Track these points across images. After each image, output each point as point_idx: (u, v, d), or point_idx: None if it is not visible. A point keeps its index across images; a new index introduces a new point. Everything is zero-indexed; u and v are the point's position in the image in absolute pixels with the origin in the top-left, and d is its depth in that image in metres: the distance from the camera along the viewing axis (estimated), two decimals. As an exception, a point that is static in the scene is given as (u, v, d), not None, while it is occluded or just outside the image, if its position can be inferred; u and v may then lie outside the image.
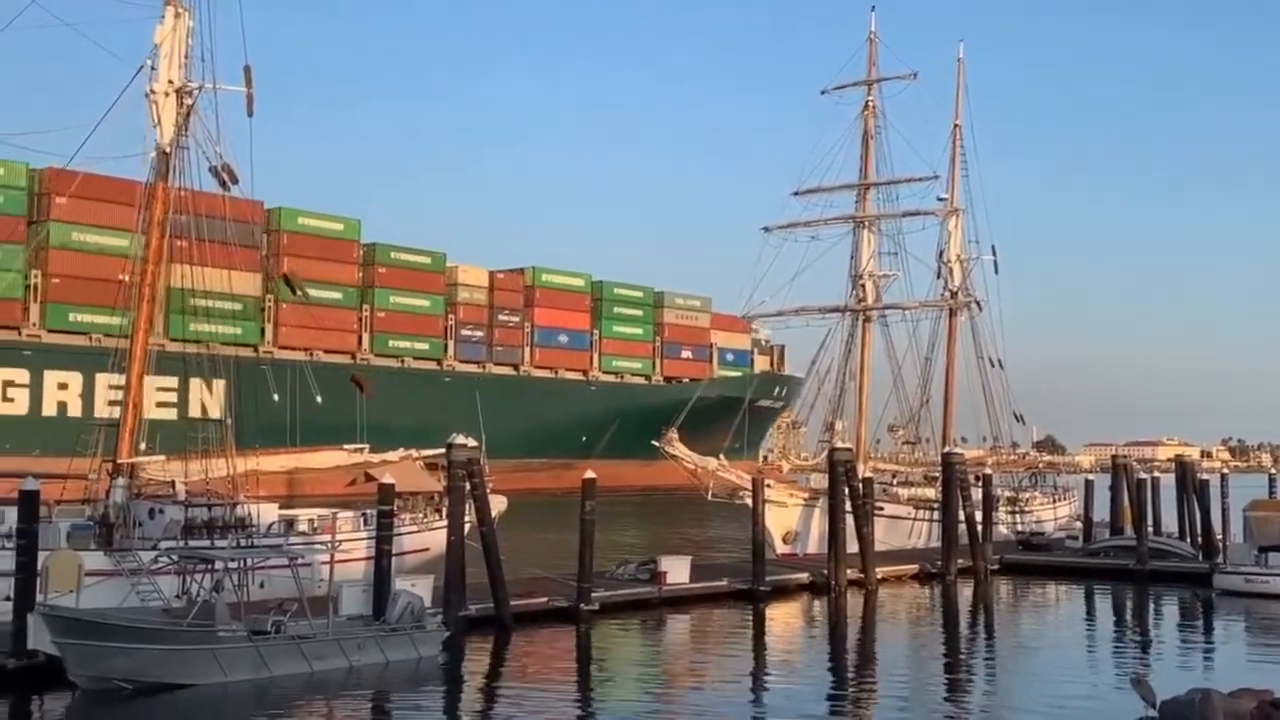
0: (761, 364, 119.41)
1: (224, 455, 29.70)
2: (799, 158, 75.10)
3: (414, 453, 38.09)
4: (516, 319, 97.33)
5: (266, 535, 29.66)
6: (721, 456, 43.57)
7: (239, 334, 76.46)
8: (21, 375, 68.40)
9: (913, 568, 41.04)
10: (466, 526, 29.48)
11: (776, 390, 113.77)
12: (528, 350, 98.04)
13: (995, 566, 42.65)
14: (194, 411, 72.32)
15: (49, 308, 69.33)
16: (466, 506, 29.61)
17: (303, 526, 31.42)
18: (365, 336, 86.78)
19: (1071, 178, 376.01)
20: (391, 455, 37.32)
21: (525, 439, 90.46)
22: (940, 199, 54.98)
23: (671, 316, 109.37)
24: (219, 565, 24.12)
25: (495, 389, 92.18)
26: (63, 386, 68.46)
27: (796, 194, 51.19)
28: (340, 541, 28.34)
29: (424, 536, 34.15)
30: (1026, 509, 55.10)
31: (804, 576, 37.53)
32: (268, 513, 30.75)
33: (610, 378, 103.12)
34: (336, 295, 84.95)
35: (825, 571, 37.12)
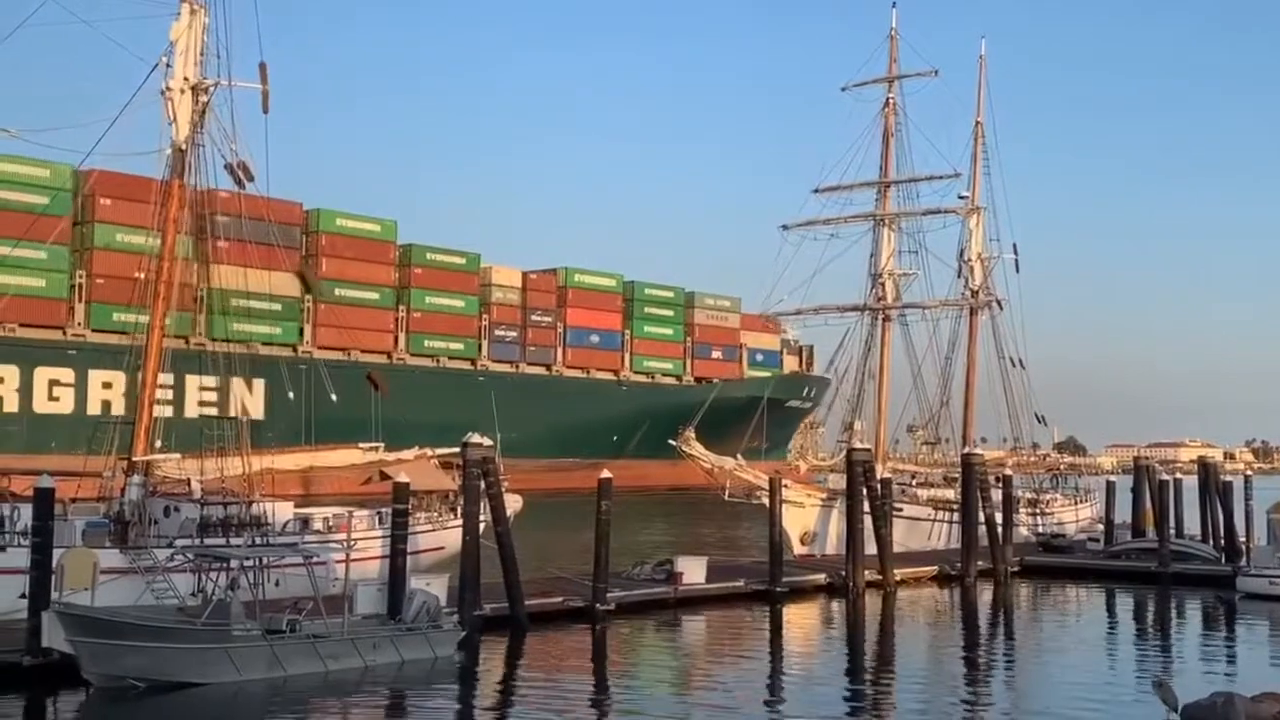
0: (790, 364, 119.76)
1: (240, 453, 29.80)
2: (820, 155, 74.98)
3: (429, 451, 38.17)
4: (549, 319, 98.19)
5: (282, 534, 29.76)
6: (739, 456, 43.51)
7: (278, 334, 77.90)
8: (67, 374, 69.24)
9: (932, 569, 40.91)
10: (482, 526, 29.52)
11: (805, 390, 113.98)
12: (560, 350, 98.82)
13: (1015, 569, 42.49)
14: (234, 411, 73.86)
15: (93, 308, 70.44)
16: (482, 505, 29.63)
17: (318, 525, 31.50)
18: (401, 336, 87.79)
19: (1094, 176, 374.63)
20: (406, 454, 37.41)
21: (558, 438, 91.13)
22: (961, 197, 54.84)
23: (701, 317, 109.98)
24: (234, 564, 24.19)
25: (528, 389, 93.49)
26: (106, 385, 69.03)
27: (816, 191, 51.21)
28: (355, 540, 28.38)
29: (439, 535, 34.21)
30: (1047, 510, 54.88)
31: (821, 578, 37.44)
32: (283, 511, 30.85)
33: (641, 378, 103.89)
34: (373, 295, 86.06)
35: (843, 573, 37.03)
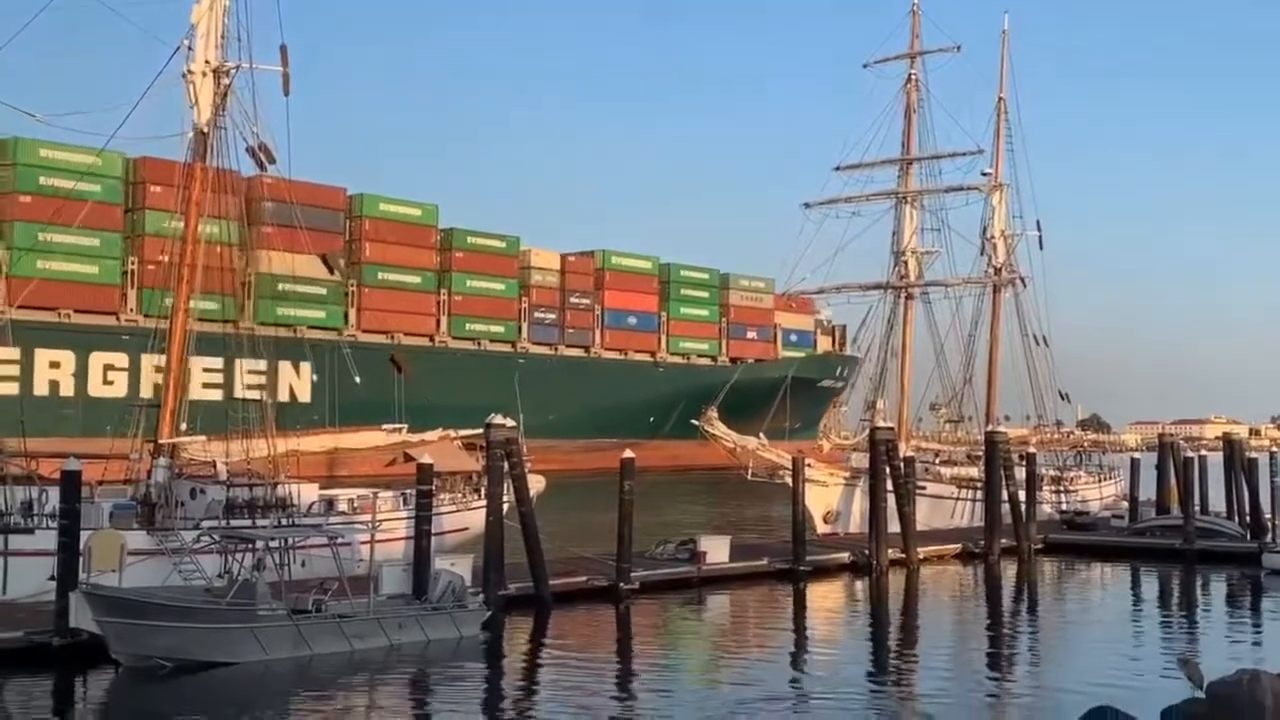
0: (824, 344, 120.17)
1: (264, 436, 29.96)
2: (842, 133, 74.50)
3: (452, 433, 38.32)
4: (587, 301, 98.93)
5: (307, 515, 29.94)
6: (762, 435, 43.51)
7: (323, 318, 79.68)
8: (121, 359, 70.07)
9: (955, 548, 40.86)
10: (505, 506, 29.63)
11: (838, 370, 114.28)
12: (598, 332, 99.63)
13: (1039, 546, 42.38)
14: (283, 395, 75.90)
15: (144, 293, 71.19)
16: (505, 486, 29.73)
17: (342, 506, 31.68)
18: (443, 320, 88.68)
19: (1119, 151, 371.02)
20: (430, 435, 37.56)
21: (595, 420, 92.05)
22: (984, 174, 54.35)
23: (736, 298, 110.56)
24: (260, 545, 24.35)
25: (567, 371, 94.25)
26: (158, 369, 69.43)
27: (838, 169, 50.96)
28: (380, 521, 28.55)
29: (463, 516, 34.37)
30: (1071, 488, 54.68)
31: (845, 556, 37.46)
32: (308, 493, 31.04)
33: (677, 359, 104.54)
34: (416, 279, 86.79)
35: (866, 551, 37.03)
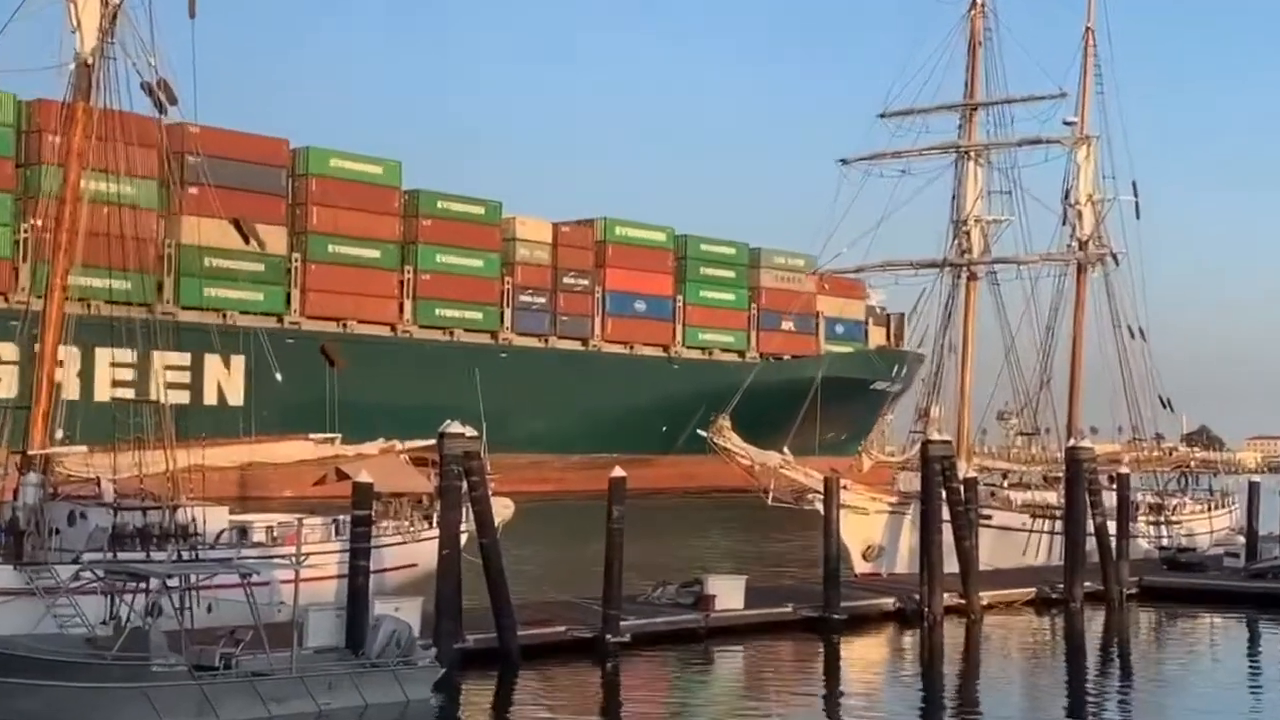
0: (877, 337, 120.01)
1: (162, 447, 29.93)
2: (890, 70, 74.26)
3: (397, 444, 38.32)
4: (585, 282, 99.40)
5: (214, 546, 29.90)
6: (786, 450, 43.55)
7: (261, 300, 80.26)
8: (9, 350, 69.87)
9: (1028, 592, 40.94)
10: (463, 537, 29.59)
11: (895, 369, 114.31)
12: (598, 320, 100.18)
13: (1133, 591, 42.48)
14: (209, 396, 76.62)
15: (40, 268, 70.66)
16: (464, 511, 29.71)
17: (259, 536, 31.65)
18: (408, 304, 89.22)
19: (1238, 97, 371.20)
20: (369, 447, 37.56)
21: (595, 429, 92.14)
22: (1067, 123, 54.44)
23: (769, 279, 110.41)
24: (155, 583, 24.31)
25: (559, 368, 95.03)
26: (58, 363, 69.24)
27: (884, 116, 50.87)
28: (306, 555, 28.50)
29: (410, 549, 34.35)
30: (1173, 518, 54.79)
31: (889, 603, 37.51)
32: (216, 519, 31.00)
33: (696, 354, 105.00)
34: (374, 253, 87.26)
35: (916, 596, 37.08)
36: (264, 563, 28.37)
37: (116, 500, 29.73)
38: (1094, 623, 38.91)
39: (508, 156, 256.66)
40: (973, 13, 51.21)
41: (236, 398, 74.42)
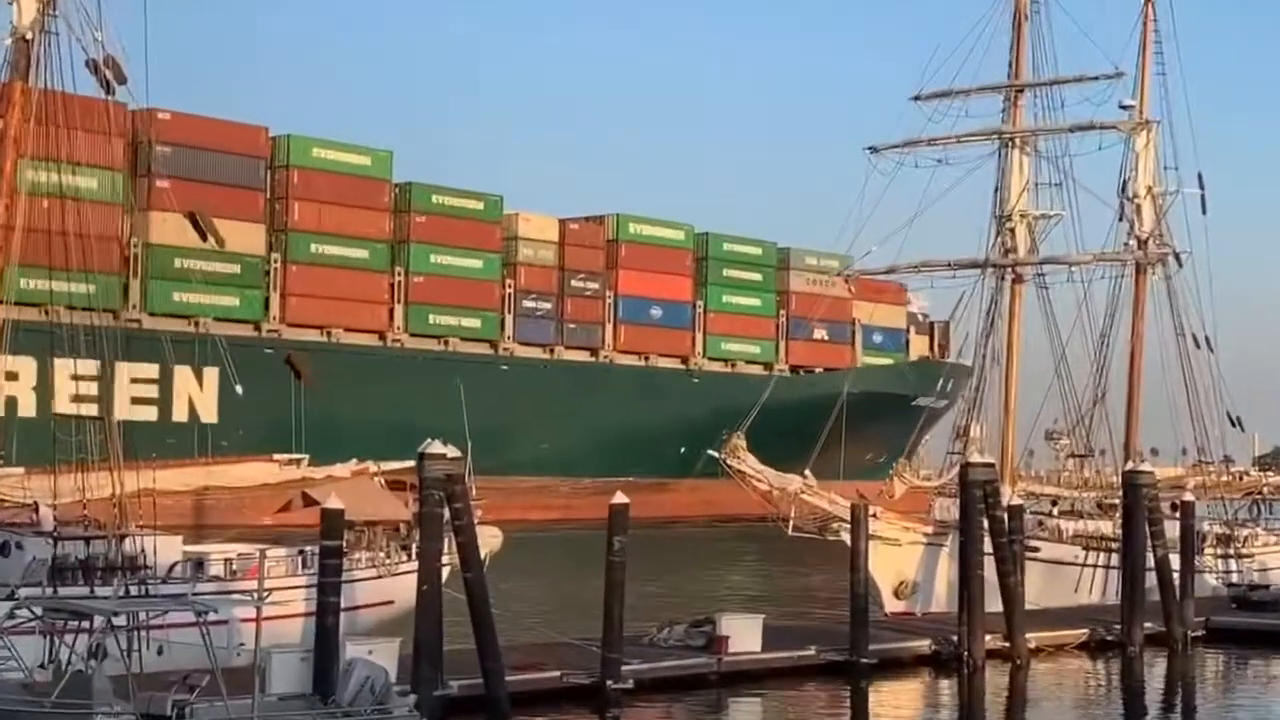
0: (919, 347, 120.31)
1: (108, 468, 29.98)
2: (925, 48, 74.12)
3: (371, 466, 38.38)
4: (595, 285, 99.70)
5: (166, 581, 29.94)
6: (808, 473, 43.58)
7: (236, 306, 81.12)
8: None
9: (1080, 634, 40.95)
10: (446, 570, 29.61)
11: (940, 383, 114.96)
12: (609, 328, 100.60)
13: (1199, 633, 42.47)
14: (180, 412, 77.14)
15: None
16: (446, 542, 29.75)
17: (217, 569, 31.67)
18: (398, 309, 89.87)
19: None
20: (339, 469, 37.64)
21: (606, 450, 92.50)
22: (1124, 106, 54.53)
23: (799, 282, 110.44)
24: (99, 622, 24.34)
25: (566, 382, 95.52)
26: (11, 377, 69.70)
27: (918, 99, 50.97)
28: (269, 591, 28.52)
29: (386, 584, 34.40)
30: (1244, 551, 54.77)
31: (924, 645, 37.54)
32: (169, 550, 31.04)
33: (718, 366, 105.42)
34: (362, 254, 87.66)
35: (954, 638, 37.11)
36: (222, 599, 28.35)
37: (56, 529, 29.78)
38: (1155, 669, 38.93)
39: (508, 146, 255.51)
40: (1018, -17, 51.27)
41: (210, 414, 75.29)
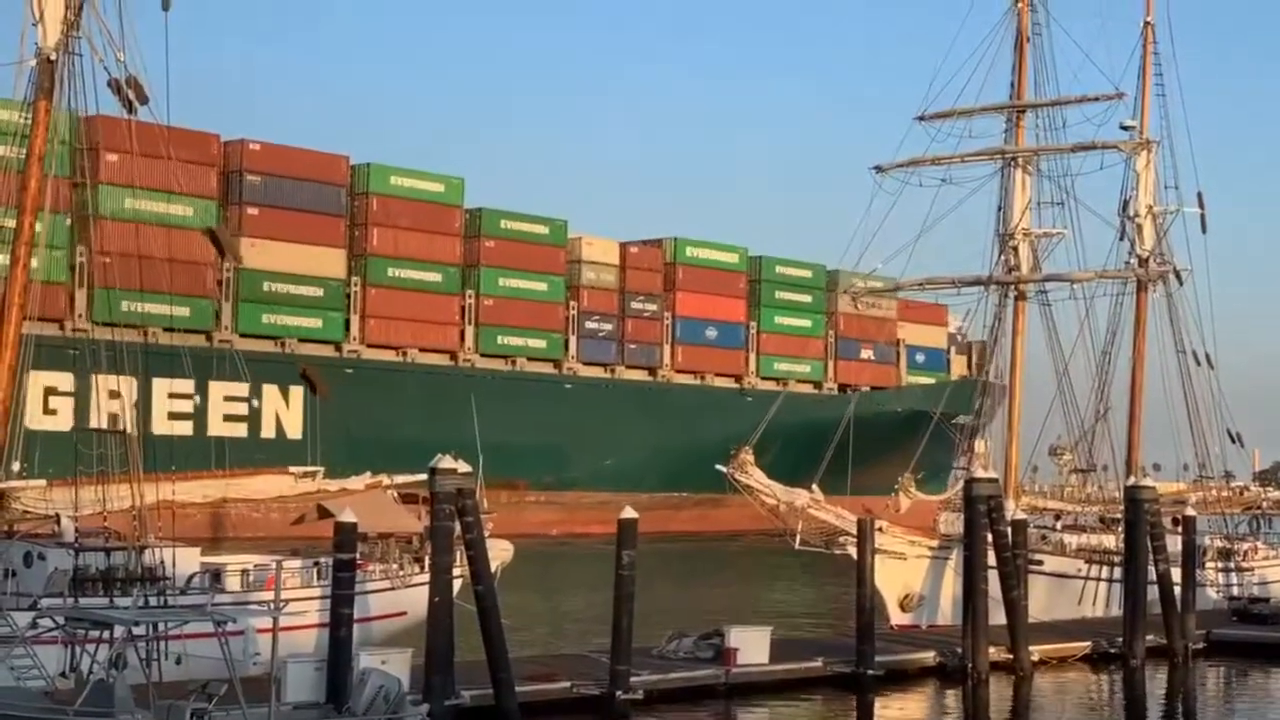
0: (959, 366, 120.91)
1: (128, 480, 30.09)
2: (928, 68, 74.27)
3: (384, 479, 38.46)
4: (654, 307, 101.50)
5: (185, 592, 30.05)
6: (815, 488, 43.61)
7: (319, 328, 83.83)
8: (66, 381, 70.97)
9: (1083, 646, 40.95)
10: (457, 583, 29.68)
11: (979, 402, 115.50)
12: (667, 349, 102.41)
13: (1200, 645, 42.43)
14: (268, 429, 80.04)
15: (98, 294, 72.66)
16: (457, 555, 29.84)
17: (234, 580, 31.77)
18: (469, 330, 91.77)
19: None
20: (353, 482, 37.71)
21: (664, 467, 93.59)
22: (1125, 127, 54.56)
23: (848, 304, 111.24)
24: (120, 632, 24.44)
25: (628, 401, 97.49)
26: (114, 395, 71.11)
27: (921, 119, 51.05)
28: (285, 601, 28.63)
29: (399, 595, 34.49)
30: (1244, 565, 54.72)
31: (929, 657, 37.58)
32: (187, 561, 31.15)
33: (770, 385, 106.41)
34: (435, 277, 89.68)
35: (959, 650, 37.12)
36: (239, 610, 28.51)
37: (78, 540, 29.89)
38: (1156, 681, 38.89)
39: (571, 171, 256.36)
40: (1019, 5, 51.35)
41: (295, 431, 78.05)
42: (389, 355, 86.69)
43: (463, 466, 29.92)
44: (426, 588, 29.86)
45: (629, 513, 31.55)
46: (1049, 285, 52.25)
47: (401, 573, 35.11)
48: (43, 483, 30.79)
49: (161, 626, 24.94)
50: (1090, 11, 72.32)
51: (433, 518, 30.02)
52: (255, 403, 79.31)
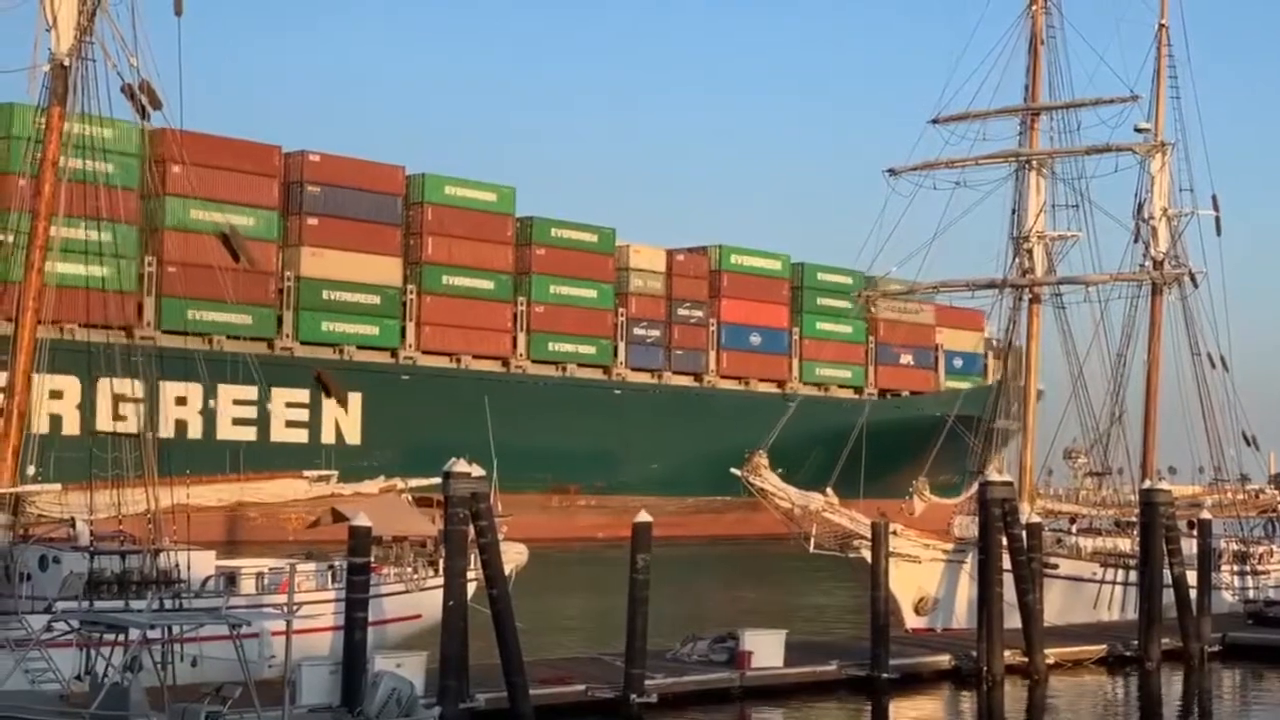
0: (995, 370, 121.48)
1: (143, 484, 30.15)
2: (940, 71, 74.06)
3: (398, 483, 38.51)
4: (699, 314, 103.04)
5: (200, 595, 30.09)
6: (829, 491, 43.57)
7: (376, 335, 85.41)
8: (136, 387, 71.92)
9: (1098, 649, 40.86)
10: (472, 586, 29.67)
11: (1016, 407, 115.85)
12: (712, 355, 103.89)
13: (1215, 648, 42.34)
14: (328, 434, 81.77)
15: (165, 302, 74.79)
16: (471, 558, 29.85)
17: (249, 583, 31.80)
18: (521, 337, 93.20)
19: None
20: (368, 485, 37.77)
21: (708, 471, 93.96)
22: (1140, 129, 54.48)
23: (887, 309, 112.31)
24: (135, 635, 24.48)
25: (674, 406, 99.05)
26: (180, 402, 73.69)
27: (935, 122, 50.96)
28: (300, 605, 28.67)
29: (413, 599, 34.53)
30: (1260, 568, 54.53)
31: (944, 660, 37.53)
32: (202, 564, 31.20)
33: (811, 390, 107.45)
34: (488, 285, 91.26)
35: (974, 654, 37.06)
36: (253, 613, 28.51)
37: (93, 543, 29.94)
38: (1172, 684, 38.80)
39: (618, 179, 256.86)
40: (1034, 8, 51.23)
41: (354, 436, 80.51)
42: (443, 362, 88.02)
43: (477, 470, 29.97)
44: (440, 591, 29.88)
45: (644, 516, 31.58)
46: (1064, 288, 52.13)
47: (416, 576, 35.13)
48: (58, 486, 30.82)
49: (176, 629, 25.01)
50: (1105, 14, 72.36)
51: (446, 521, 30.02)
52: (315, 409, 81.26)
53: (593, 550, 72.91)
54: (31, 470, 30.25)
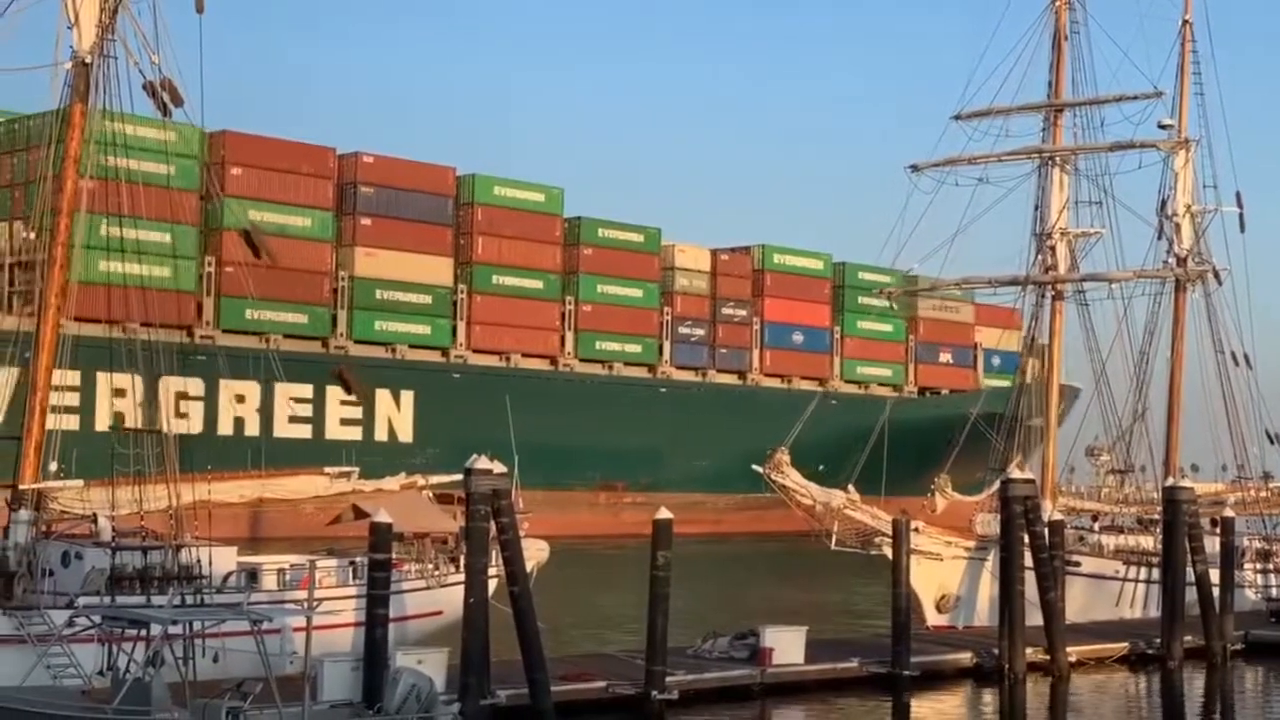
0: (1035, 369, 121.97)
1: (164, 480, 30.22)
2: (964, 67, 74.02)
3: (419, 479, 38.56)
4: (743, 312, 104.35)
5: (221, 590, 30.16)
6: (851, 488, 43.52)
7: (428, 334, 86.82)
8: (196, 385, 72.21)
9: (1121, 647, 40.75)
10: (493, 583, 29.68)
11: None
12: (756, 353, 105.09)
13: (1238, 647, 42.19)
14: (380, 432, 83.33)
15: (224, 302, 76.01)
16: (492, 555, 29.85)
17: (270, 579, 31.87)
18: (569, 336, 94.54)
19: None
20: (389, 482, 37.82)
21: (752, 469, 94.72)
22: (1163, 126, 54.20)
23: (927, 309, 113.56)
24: (156, 631, 24.55)
25: (719, 403, 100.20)
26: (240, 399, 75.64)
27: (958, 118, 50.86)
28: (320, 600, 28.73)
29: (434, 595, 34.55)
30: (1284, 566, 54.36)
31: (966, 658, 37.47)
32: (223, 560, 31.27)
33: (852, 388, 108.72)
34: (537, 284, 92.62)
35: (996, 651, 36.98)
36: (275, 609, 28.60)
37: (115, 539, 30.02)
38: (1194, 682, 38.69)
39: (663, 179, 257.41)
40: (1057, 4, 51.06)
41: (406, 434, 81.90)
42: (493, 360, 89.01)
43: (498, 466, 29.99)
44: (462, 588, 29.91)
45: (664, 513, 31.51)
46: (1087, 285, 52.04)
47: (437, 572, 35.15)
48: (80, 483, 30.90)
49: (198, 625, 25.06)
50: (1128, 10, 71.95)
51: (468, 518, 30.07)
52: (368, 407, 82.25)
53: (640, 547, 72.87)
54: (54, 467, 30.32)
